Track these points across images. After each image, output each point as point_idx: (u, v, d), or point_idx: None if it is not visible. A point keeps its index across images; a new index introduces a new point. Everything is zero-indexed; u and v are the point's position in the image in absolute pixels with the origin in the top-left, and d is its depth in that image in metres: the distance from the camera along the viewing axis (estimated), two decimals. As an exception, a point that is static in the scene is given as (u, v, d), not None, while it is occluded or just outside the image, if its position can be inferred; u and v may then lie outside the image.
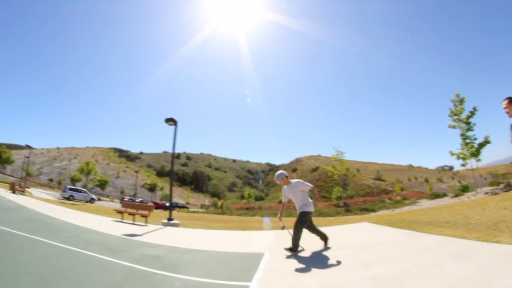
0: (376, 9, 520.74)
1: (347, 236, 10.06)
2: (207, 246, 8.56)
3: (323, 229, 7.77)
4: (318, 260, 6.20)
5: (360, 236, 10.17)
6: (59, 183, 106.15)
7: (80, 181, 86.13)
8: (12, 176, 79.10)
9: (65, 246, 6.90)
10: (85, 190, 46.61)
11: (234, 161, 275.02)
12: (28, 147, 45.95)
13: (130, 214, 14.85)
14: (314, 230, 7.40)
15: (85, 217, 15.71)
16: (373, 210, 31.84)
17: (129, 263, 5.81)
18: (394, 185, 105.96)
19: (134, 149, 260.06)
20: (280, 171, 7.33)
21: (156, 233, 11.22)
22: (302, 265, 5.80)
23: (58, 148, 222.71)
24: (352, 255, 6.44)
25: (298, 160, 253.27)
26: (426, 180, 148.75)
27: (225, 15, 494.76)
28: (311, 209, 7.08)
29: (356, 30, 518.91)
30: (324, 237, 7.41)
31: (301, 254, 6.77)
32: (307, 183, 7.22)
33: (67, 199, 38.07)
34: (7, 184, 41.36)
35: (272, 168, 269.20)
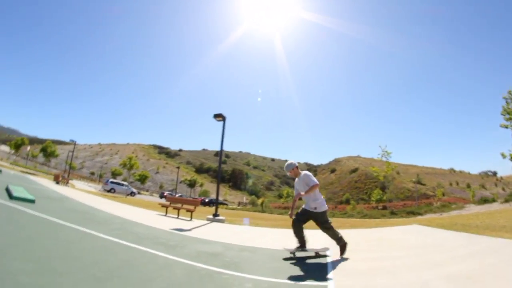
0: (415, 9, 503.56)
1: (403, 237, 10.04)
2: (262, 243, 8.18)
3: (372, 231, 7.12)
4: (382, 260, 6.00)
5: (417, 237, 9.96)
6: (100, 176, 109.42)
7: (121, 175, 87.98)
8: (56, 169, 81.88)
9: (114, 240, 6.30)
10: (126, 183, 47.40)
11: (272, 160, 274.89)
12: (72, 142, 47.52)
13: (175, 208, 14.45)
14: (302, 231, 6.50)
15: (129, 209, 15.36)
16: (419, 214, 31.14)
17: (187, 260, 5.25)
18: (436, 190, 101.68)
19: (174, 146, 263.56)
20: (289, 162, 6.64)
21: (205, 229, 10.75)
22: (370, 264, 5.55)
23: (100, 144, 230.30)
24: (417, 255, 6.34)
25: (337, 161, 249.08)
26: (468, 186, 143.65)
27: (260, 14, 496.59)
28: (325, 208, 6.38)
29: (395, 29, 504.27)
30: (303, 243, 6.51)
31: (350, 254, 6.30)
32: (313, 178, 6.40)
33: (109, 191, 38.71)
34: (51, 176, 42.78)
35: (311, 167, 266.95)
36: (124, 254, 5.31)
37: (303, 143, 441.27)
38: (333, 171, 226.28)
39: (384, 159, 41.23)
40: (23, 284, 3.16)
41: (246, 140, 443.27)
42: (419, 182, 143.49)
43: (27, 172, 40.59)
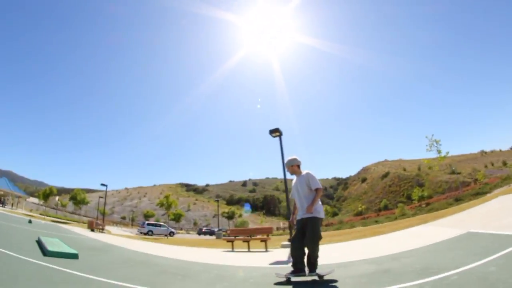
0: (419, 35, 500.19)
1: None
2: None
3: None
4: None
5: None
6: (132, 220, 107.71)
7: (153, 217, 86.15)
8: (86, 216, 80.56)
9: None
10: (164, 224, 45.64)
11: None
12: (103, 186, 44.87)
13: (244, 241, 13.01)
14: (303, 250, 5.26)
15: (191, 251, 12.89)
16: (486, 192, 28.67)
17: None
18: (475, 175, 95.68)
19: (200, 182, 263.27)
20: (292, 157, 5.84)
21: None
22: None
23: (126, 188, 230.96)
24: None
25: (365, 170, 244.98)
26: (504, 163, 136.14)
27: (259, 38, 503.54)
28: (322, 215, 5.40)
29: (401, 55, 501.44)
30: (302, 265, 5.26)
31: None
32: (318, 181, 5.42)
33: (146, 234, 36.60)
34: (84, 224, 41.39)
35: (340, 182, 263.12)
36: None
37: (327, 158, 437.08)
38: (363, 180, 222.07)
39: (434, 149, 38.28)
40: None
41: (270, 165, 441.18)
42: (453, 172, 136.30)
43: (58, 221, 38.56)
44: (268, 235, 13.18)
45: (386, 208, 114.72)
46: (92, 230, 27.50)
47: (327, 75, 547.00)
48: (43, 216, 43.73)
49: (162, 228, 40.19)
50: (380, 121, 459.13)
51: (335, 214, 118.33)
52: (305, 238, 5.12)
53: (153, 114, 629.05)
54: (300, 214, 5.43)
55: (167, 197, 47.08)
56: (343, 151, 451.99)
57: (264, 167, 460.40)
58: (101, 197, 56.76)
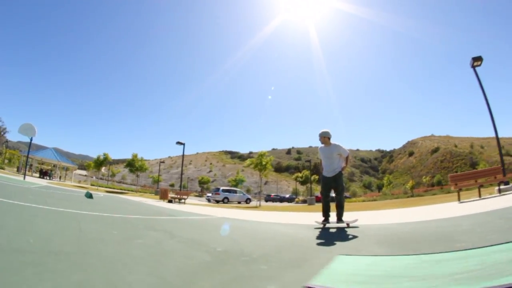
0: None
1: None
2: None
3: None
4: None
5: None
6: (183, 187, 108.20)
7: (208, 182, 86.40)
8: (140, 185, 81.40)
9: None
10: (240, 190, 43.78)
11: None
12: (179, 144, 38.68)
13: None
14: (329, 205, 6.72)
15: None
16: None
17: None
18: None
19: (242, 150, 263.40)
20: (325, 130, 6.84)
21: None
22: None
23: (170, 157, 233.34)
24: None
25: (412, 143, 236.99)
26: None
27: (295, 5, 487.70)
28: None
29: (441, 22, 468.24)
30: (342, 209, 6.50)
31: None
32: (346, 149, 6.76)
33: (221, 201, 34.37)
34: (146, 193, 41.99)
35: (384, 154, 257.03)
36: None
37: (369, 130, 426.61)
38: (411, 154, 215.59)
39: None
40: None
41: (312, 134, 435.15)
42: (507, 154, 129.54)
43: (115, 192, 37.65)
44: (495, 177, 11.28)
45: (439, 183, 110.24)
46: (170, 201, 22.93)
47: (370, 44, 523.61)
48: (96, 187, 41.82)
49: (238, 194, 37.79)
50: (427, 94, 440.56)
51: (382, 187, 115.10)
52: (332, 191, 6.65)
53: (191, 84, 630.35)
54: (328, 173, 6.62)
55: (262, 155, 43.23)
56: (386, 123, 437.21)
57: (307, 135, 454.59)
58: (162, 162, 56.32)
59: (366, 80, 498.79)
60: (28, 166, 45.42)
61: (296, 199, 57.37)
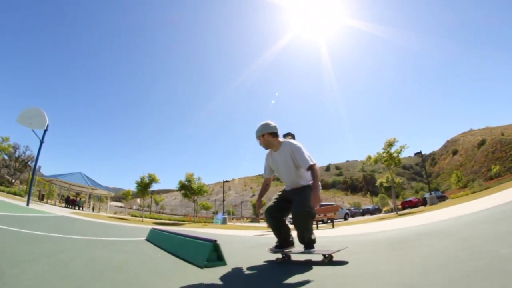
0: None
1: None
2: None
3: None
4: None
5: None
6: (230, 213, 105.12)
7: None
8: (186, 215, 76.67)
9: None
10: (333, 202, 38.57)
11: (375, 163, 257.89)
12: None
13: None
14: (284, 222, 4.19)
15: None
16: None
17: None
18: None
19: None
20: (265, 122, 4.05)
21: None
22: None
23: (207, 185, 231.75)
24: None
25: (453, 141, 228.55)
26: None
27: (306, 21, 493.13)
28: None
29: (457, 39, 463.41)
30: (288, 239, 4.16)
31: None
32: (306, 155, 3.81)
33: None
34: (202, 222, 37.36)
35: (424, 158, 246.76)
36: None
37: (404, 137, 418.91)
38: (455, 152, 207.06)
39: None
40: None
41: (348, 148, 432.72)
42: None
43: (168, 223, 31.86)
44: (335, 213, 14.16)
45: (499, 175, 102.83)
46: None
47: (380, 58, 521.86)
48: (140, 219, 34.45)
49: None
50: (456, 93, 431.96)
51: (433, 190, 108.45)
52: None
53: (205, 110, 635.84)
54: (287, 187, 4.16)
55: None
56: (418, 127, 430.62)
57: (342, 150, 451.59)
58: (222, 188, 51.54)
59: (389, 91, 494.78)
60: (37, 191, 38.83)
61: (385, 208, 53.01)
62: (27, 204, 18.96)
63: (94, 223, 14.13)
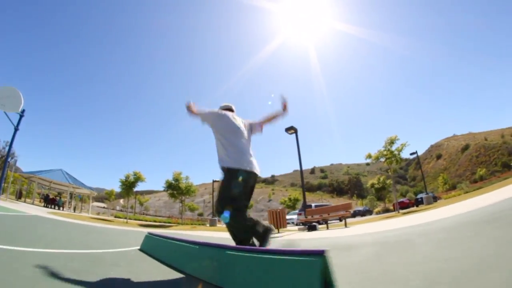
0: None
1: None
2: None
3: None
4: None
5: None
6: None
7: (250, 208, 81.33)
8: (171, 217, 75.44)
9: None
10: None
11: (367, 164, 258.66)
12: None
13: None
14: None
15: None
16: None
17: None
18: None
19: (263, 175, 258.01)
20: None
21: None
22: None
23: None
24: None
25: (436, 146, 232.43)
26: None
27: (295, 25, 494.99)
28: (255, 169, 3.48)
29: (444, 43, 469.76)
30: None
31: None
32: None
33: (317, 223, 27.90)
34: (202, 226, 34.78)
35: (409, 162, 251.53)
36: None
37: (378, 142, 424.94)
38: (439, 157, 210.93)
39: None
40: None
41: (330, 152, 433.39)
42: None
43: (152, 225, 27.50)
44: (346, 211, 13.54)
45: (481, 179, 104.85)
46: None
47: (368, 62, 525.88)
48: (124, 220, 31.38)
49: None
50: (440, 98, 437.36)
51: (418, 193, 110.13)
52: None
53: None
54: (247, 163, 3.39)
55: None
56: (402, 131, 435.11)
57: (326, 153, 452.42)
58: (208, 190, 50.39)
59: (375, 95, 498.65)
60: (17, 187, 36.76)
61: (376, 210, 52.75)
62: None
63: (71, 225, 11.83)
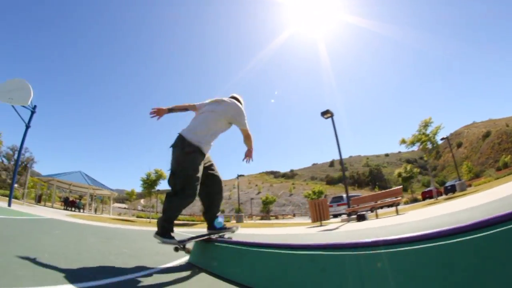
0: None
1: None
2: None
3: None
4: None
5: None
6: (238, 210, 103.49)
7: (274, 202, 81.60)
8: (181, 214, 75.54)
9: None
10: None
11: (386, 155, 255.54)
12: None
13: None
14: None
15: None
16: None
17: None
18: None
19: (282, 169, 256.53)
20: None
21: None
22: None
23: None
24: None
25: (456, 134, 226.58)
26: None
27: (305, 18, 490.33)
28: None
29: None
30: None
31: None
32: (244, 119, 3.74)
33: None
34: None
35: (429, 151, 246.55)
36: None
37: (407, 130, 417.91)
38: (459, 145, 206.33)
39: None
40: None
41: (347, 144, 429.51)
42: None
43: (186, 224, 25.71)
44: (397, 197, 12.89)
45: (506, 165, 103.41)
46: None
47: (380, 54, 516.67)
48: (147, 220, 29.57)
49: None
50: (457, 86, 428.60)
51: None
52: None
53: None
54: (205, 141, 3.47)
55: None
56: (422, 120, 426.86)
57: (345, 145, 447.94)
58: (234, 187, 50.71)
59: (389, 86, 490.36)
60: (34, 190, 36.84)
61: (404, 200, 50.76)
62: (9, 205, 14.85)
63: (89, 228, 9.45)
